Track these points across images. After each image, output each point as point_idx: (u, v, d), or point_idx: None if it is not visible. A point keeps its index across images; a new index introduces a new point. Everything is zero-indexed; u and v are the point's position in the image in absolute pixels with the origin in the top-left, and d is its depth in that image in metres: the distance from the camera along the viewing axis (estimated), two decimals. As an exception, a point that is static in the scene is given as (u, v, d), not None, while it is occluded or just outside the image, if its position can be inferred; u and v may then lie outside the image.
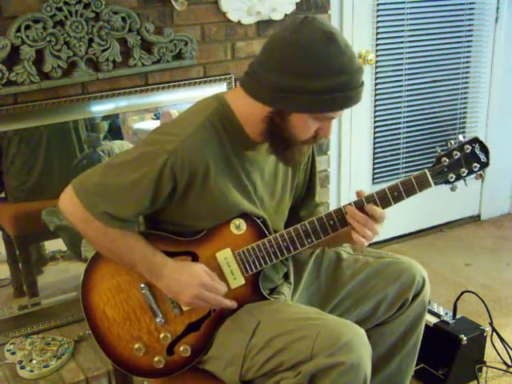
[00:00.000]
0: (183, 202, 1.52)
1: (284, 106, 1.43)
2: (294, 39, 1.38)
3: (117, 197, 1.48)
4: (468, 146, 1.51)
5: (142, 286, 1.57)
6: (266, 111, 1.46)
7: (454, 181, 1.52)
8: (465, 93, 3.31)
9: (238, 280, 1.57)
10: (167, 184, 1.47)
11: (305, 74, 1.38)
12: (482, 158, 1.52)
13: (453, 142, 1.53)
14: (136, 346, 1.59)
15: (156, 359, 1.59)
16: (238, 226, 1.57)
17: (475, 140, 1.52)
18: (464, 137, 1.54)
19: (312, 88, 1.38)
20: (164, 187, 1.47)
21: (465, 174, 1.53)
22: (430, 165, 1.53)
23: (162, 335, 1.58)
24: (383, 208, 1.52)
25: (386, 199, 1.51)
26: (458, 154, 1.51)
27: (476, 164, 1.52)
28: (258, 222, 1.57)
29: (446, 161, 1.51)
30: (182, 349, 1.58)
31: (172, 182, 1.47)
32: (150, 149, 1.47)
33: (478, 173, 1.53)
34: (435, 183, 1.52)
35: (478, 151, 1.51)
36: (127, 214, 1.50)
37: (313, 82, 1.37)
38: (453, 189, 1.54)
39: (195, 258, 1.57)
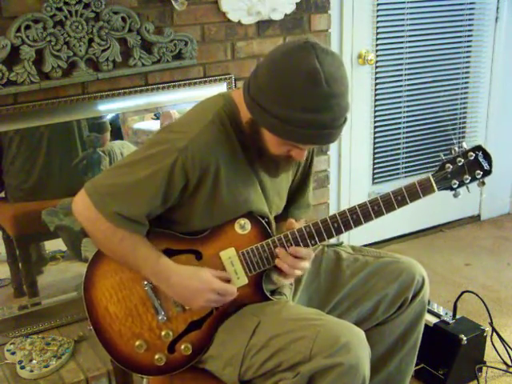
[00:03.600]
0: (193, 201, 1.52)
1: (256, 118, 1.44)
2: (281, 62, 1.38)
3: (128, 195, 1.48)
4: (472, 154, 1.53)
5: (145, 283, 1.57)
6: (248, 115, 1.47)
7: (457, 187, 1.55)
8: (465, 93, 3.31)
9: (241, 280, 1.57)
10: (179, 182, 1.47)
11: (278, 100, 1.37)
12: (485, 165, 1.54)
13: (456, 148, 1.55)
14: (137, 343, 1.59)
15: (157, 357, 1.59)
16: (243, 226, 1.57)
17: (478, 148, 1.54)
18: (463, 140, 1.55)
19: (281, 115, 1.37)
20: (176, 185, 1.47)
21: (468, 181, 1.55)
22: (433, 169, 1.55)
23: (163, 333, 1.59)
24: (387, 212, 1.53)
25: (389, 203, 1.53)
26: (462, 160, 1.53)
27: (479, 171, 1.54)
28: (263, 222, 1.58)
29: (449, 167, 1.53)
30: (183, 347, 1.58)
31: (184, 180, 1.47)
32: (160, 147, 1.47)
33: (481, 180, 1.55)
34: (439, 189, 1.54)
35: (481, 159, 1.54)
36: (138, 213, 1.49)
37: (283, 110, 1.37)
38: (455, 195, 1.56)
39: (199, 257, 1.57)
